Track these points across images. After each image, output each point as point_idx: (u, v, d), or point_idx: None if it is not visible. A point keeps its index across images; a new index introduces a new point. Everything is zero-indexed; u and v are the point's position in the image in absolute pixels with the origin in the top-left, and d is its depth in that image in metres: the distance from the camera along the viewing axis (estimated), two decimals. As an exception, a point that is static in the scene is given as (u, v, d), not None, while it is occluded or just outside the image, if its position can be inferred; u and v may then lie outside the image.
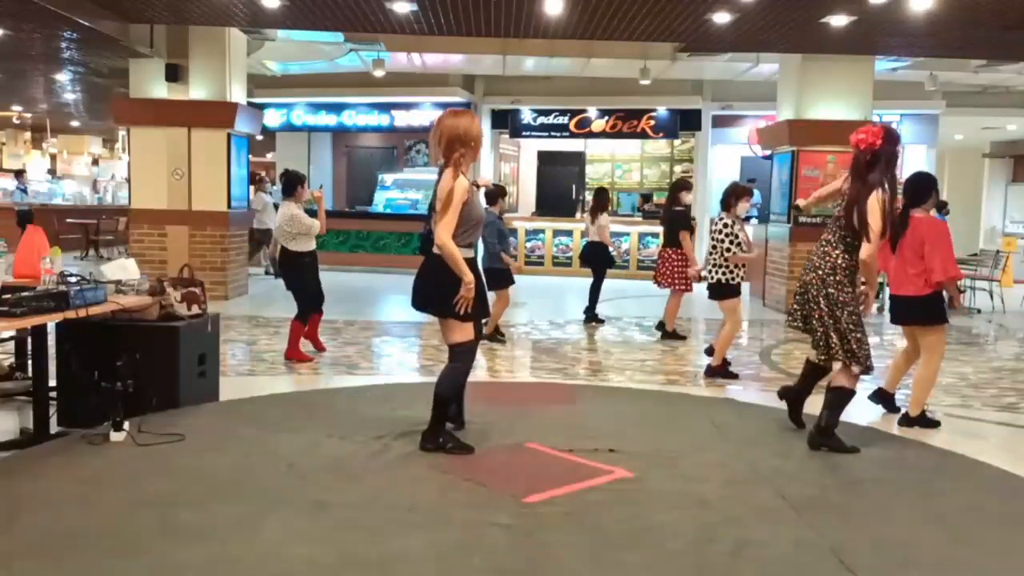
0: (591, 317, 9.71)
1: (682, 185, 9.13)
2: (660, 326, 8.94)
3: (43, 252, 5.50)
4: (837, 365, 4.93)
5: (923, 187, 5.47)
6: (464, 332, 4.52)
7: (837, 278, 4.80)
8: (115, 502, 3.76)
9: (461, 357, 4.58)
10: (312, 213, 7.11)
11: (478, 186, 5.82)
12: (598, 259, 9.75)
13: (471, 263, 4.46)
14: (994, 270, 11.79)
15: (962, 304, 5.68)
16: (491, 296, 8.29)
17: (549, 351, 8.07)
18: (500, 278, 7.98)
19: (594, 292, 9.74)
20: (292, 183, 7.08)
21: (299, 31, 10.55)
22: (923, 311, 5.37)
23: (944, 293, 5.41)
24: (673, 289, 8.70)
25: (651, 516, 3.75)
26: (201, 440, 4.63)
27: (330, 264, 12.32)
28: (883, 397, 5.85)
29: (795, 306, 5.06)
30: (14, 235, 7.16)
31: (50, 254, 5.38)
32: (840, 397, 4.87)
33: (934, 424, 5.47)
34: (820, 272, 4.85)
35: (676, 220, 8.69)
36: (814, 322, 4.89)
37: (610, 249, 9.92)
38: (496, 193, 8.34)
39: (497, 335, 8.31)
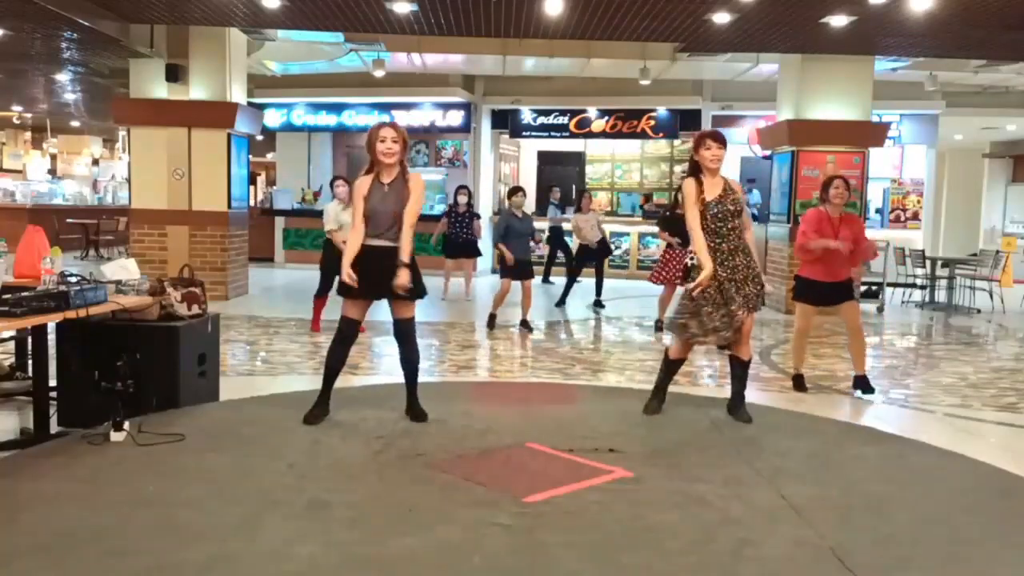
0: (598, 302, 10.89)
1: None
2: (658, 325, 8.99)
3: (43, 252, 5.47)
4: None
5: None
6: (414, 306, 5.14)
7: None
8: (115, 502, 3.75)
9: (413, 325, 5.16)
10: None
11: None
12: (605, 253, 11.23)
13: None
14: (994, 270, 11.79)
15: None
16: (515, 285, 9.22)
17: (549, 351, 8.07)
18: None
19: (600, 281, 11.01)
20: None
21: (299, 31, 10.55)
22: (851, 289, 6.24)
23: None
24: (667, 285, 8.98)
25: (651, 516, 3.74)
26: (201, 440, 4.62)
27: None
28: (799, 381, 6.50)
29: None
30: (14, 235, 7.16)
31: (50, 254, 5.36)
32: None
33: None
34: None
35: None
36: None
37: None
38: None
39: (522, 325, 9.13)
